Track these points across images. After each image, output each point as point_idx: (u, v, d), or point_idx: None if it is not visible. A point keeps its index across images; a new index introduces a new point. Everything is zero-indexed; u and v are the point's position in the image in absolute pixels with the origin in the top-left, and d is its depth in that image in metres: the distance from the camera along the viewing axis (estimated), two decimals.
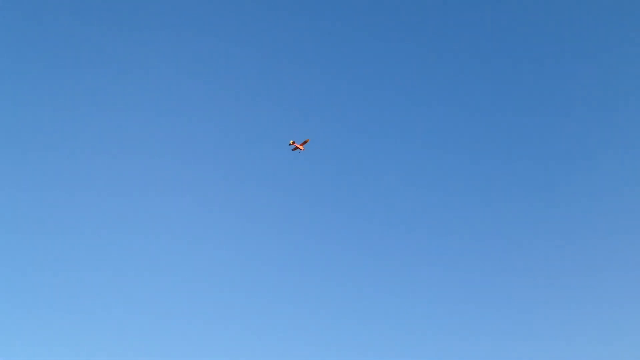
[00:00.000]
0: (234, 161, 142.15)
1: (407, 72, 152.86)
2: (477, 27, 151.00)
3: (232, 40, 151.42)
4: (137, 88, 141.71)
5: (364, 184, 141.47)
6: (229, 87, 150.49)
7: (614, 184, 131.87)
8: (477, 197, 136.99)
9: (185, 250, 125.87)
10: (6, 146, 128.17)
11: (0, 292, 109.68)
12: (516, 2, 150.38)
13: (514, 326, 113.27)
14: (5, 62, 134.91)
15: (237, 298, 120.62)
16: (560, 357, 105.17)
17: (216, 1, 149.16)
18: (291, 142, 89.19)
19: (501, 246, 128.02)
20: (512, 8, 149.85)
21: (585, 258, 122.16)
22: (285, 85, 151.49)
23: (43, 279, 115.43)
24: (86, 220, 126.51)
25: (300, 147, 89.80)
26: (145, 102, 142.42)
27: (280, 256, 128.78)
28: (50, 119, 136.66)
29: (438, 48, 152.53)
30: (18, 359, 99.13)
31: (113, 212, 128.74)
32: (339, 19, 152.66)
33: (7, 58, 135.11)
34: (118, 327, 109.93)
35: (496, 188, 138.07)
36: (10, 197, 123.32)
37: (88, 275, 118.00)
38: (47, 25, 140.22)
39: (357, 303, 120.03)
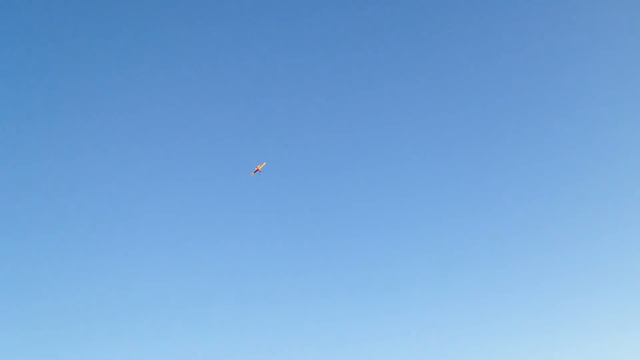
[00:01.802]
0: (229, 162, 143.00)
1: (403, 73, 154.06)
2: (474, 28, 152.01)
3: (228, 41, 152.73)
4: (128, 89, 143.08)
5: (362, 184, 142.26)
6: (224, 87, 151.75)
7: (613, 184, 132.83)
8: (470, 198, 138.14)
9: (181, 250, 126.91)
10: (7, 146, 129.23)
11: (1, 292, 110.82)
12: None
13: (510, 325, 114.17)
14: (5, 62, 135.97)
15: (235, 297, 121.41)
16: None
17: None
18: (257, 167, 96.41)
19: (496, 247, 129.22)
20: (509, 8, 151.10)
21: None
22: (282, 84, 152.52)
23: (43, 279, 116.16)
24: (84, 220, 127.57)
25: (259, 169, 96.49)
26: (141, 103, 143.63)
27: (277, 257, 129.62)
28: (45, 119, 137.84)
29: (434, 49, 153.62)
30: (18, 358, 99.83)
31: (110, 212, 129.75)
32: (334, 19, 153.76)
33: (7, 58, 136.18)
34: (116, 326, 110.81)
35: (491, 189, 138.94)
36: (10, 196, 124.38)
37: (87, 274, 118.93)
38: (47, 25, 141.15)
39: (349, 304, 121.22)
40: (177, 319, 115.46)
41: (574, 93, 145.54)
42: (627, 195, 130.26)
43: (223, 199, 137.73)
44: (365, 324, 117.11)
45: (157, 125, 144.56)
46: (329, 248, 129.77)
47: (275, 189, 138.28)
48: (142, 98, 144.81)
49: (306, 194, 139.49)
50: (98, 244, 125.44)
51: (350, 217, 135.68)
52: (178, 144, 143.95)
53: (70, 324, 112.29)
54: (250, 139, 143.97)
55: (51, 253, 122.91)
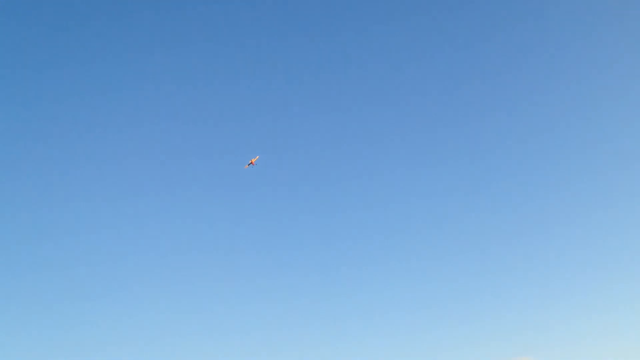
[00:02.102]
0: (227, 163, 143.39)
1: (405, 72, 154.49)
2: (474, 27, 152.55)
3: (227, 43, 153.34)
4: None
5: (361, 184, 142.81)
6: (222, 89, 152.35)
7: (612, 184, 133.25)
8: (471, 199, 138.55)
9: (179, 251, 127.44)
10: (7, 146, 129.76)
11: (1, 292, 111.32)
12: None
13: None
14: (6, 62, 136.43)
15: (234, 298, 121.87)
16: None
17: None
18: (251, 160, 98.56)
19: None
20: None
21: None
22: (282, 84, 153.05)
23: (43, 280, 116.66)
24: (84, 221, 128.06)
25: (253, 162, 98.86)
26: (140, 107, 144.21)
27: (278, 257, 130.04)
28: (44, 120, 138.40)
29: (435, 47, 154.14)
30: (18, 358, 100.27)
31: (110, 213, 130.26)
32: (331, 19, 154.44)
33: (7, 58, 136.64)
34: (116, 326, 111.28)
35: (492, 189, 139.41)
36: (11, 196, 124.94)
37: (87, 274, 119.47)
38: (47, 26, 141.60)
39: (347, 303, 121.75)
40: (177, 319, 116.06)
41: (573, 95, 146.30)
42: (627, 195, 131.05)
43: (222, 198, 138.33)
44: (365, 323, 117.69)
45: (155, 124, 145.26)
46: (328, 248, 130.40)
47: (273, 189, 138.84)
48: (140, 98, 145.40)
49: (305, 193, 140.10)
50: (97, 243, 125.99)
51: (349, 216, 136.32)
52: (177, 144, 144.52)
53: (71, 324, 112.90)
54: (250, 139, 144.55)
55: (51, 254, 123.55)
